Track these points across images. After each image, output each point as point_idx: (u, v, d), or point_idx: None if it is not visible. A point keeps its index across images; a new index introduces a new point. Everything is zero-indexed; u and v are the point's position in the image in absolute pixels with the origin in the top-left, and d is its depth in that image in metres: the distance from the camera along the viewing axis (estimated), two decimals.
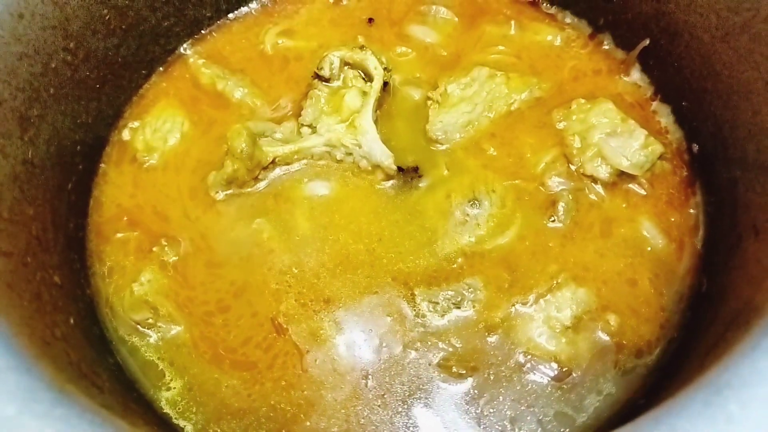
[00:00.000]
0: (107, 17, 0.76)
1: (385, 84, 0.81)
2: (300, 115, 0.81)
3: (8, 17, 0.63)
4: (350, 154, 0.78)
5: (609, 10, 0.85)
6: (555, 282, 0.72)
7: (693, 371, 0.51)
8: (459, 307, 0.71)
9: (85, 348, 0.64)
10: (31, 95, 0.67)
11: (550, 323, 0.70)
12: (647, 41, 0.81)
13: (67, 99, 0.73)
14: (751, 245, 0.63)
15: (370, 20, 0.89)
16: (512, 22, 0.88)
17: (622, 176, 0.77)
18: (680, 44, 0.77)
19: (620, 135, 0.77)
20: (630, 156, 0.76)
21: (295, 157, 0.79)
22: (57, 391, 0.46)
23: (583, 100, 0.80)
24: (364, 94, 0.80)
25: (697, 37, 0.73)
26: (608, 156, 0.76)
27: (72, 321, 0.66)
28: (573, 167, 0.78)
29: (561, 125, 0.80)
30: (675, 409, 0.43)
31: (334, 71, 0.81)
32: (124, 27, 0.79)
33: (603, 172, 0.76)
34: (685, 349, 0.67)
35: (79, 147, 0.77)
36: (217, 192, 0.78)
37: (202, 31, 0.90)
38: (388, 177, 0.78)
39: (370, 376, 0.69)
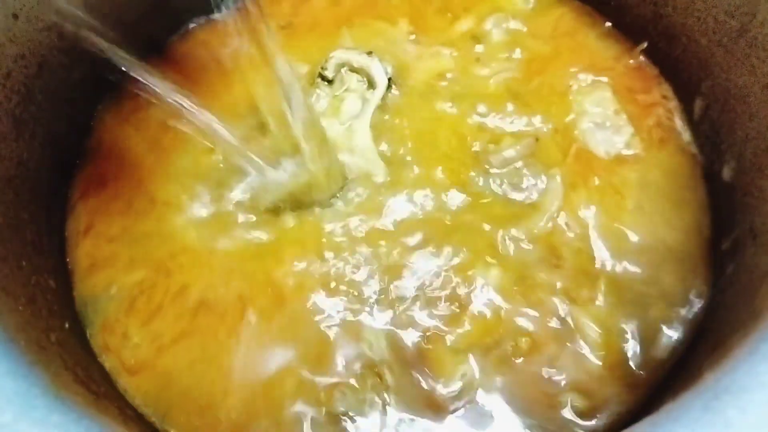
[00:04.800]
0: None
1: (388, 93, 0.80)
2: None
3: (2, 18, 0.63)
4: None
5: (607, 12, 0.85)
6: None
7: (692, 376, 0.52)
8: None
9: (81, 352, 0.64)
10: (25, 97, 0.66)
11: None
12: (645, 44, 0.81)
13: (62, 101, 0.73)
14: (749, 249, 0.63)
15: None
16: None
17: None
18: (678, 47, 0.77)
19: (607, 129, 0.77)
20: (611, 151, 0.76)
21: None
22: (53, 397, 0.45)
23: (586, 76, 0.80)
24: (365, 100, 0.79)
25: (694, 41, 0.74)
26: (590, 146, 0.76)
27: (67, 325, 0.65)
28: None
29: None
30: (674, 414, 0.42)
31: (338, 73, 0.80)
32: None
33: None
34: (684, 353, 0.67)
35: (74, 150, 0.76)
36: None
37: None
38: None
39: None
